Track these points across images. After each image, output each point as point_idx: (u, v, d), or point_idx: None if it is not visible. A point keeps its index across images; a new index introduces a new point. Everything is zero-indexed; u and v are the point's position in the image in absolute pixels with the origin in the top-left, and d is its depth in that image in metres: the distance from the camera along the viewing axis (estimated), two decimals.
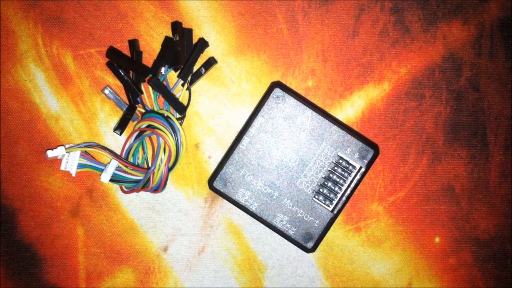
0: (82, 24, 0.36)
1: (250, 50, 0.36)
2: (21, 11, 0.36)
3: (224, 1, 0.36)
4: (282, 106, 0.34)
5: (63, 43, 0.36)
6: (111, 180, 0.34)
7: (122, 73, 0.34)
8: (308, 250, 0.34)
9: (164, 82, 0.34)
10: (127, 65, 0.34)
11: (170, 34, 0.35)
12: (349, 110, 0.36)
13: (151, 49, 0.36)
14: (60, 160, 0.35)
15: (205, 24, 0.36)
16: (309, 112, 0.34)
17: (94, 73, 0.36)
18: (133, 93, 0.34)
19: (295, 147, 0.34)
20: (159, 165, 0.34)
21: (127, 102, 0.35)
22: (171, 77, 0.35)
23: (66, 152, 0.34)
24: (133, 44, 0.35)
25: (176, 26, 0.35)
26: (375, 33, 0.36)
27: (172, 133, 0.33)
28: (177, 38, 0.34)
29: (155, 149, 0.34)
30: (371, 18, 0.36)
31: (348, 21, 0.36)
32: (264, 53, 0.36)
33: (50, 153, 0.34)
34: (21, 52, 0.36)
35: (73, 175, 0.34)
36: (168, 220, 0.36)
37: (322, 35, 0.36)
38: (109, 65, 0.35)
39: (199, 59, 0.35)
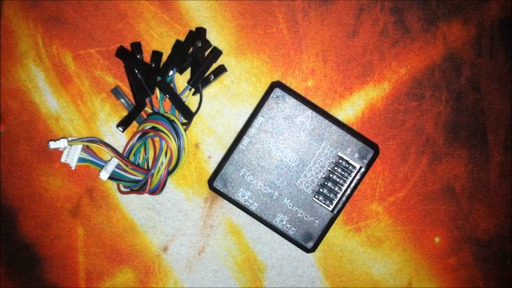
0: (82, 24, 0.36)
1: (250, 50, 0.36)
2: (21, 11, 0.36)
3: (224, 1, 0.36)
4: (282, 106, 0.34)
5: (63, 43, 0.36)
6: (110, 178, 0.34)
7: (136, 71, 0.34)
8: (308, 250, 0.34)
9: (171, 85, 0.34)
10: (137, 66, 0.34)
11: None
12: (349, 110, 0.36)
13: (151, 49, 0.36)
14: (61, 152, 0.34)
15: (205, 24, 0.36)
16: (309, 112, 0.34)
17: (94, 73, 0.36)
18: (145, 93, 0.34)
19: (295, 147, 0.34)
20: (159, 168, 0.33)
21: (134, 103, 0.35)
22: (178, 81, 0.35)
23: (68, 145, 0.34)
24: (137, 47, 0.35)
25: (200, 33, 0.35)
26: (375, 33, 0.36)
27: (175, 137, 0.33)
28: (199, 45, 0.34)
29: (157, 151, 0.34)
30: (371, 18, 0.36)
31: (348, 21, 0.36)
32: (264, 53, 0.36)
33: (52, 144, 0.34)
34: (21, 52, 0.36)
35: (73, 168, 0.34)
36: (168, 220, 0.36)
37: (322, 35, 0.36)
38: (125, 62, 0.34)
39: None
